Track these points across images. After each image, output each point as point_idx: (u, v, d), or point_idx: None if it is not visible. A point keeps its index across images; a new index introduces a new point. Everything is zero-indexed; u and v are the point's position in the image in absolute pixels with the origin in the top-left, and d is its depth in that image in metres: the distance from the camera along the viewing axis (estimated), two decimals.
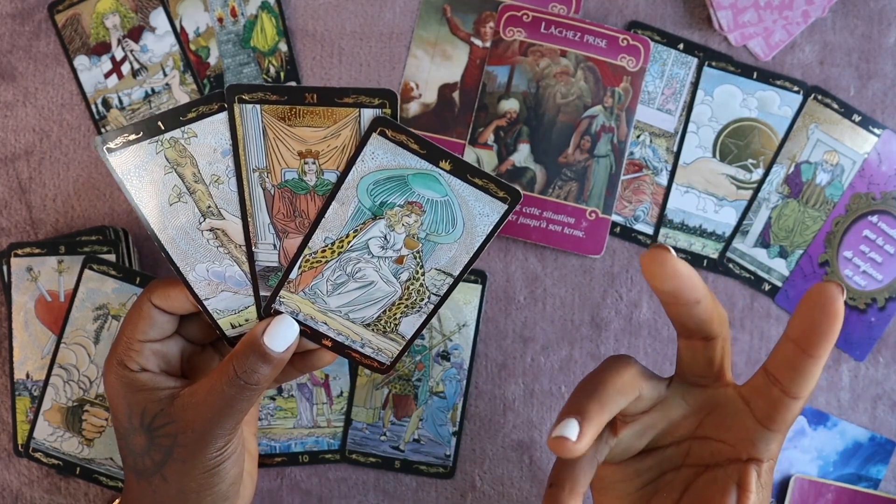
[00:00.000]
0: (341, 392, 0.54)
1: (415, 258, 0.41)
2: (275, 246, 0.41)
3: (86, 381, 0.51)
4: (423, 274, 0.41)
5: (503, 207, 0.40)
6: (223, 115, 0.39)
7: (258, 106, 0.38)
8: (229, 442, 0.41)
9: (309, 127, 0.39)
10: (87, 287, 0.50)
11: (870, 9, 0.55)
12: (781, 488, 0.54)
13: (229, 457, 0.41)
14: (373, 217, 0.40)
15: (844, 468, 0.55)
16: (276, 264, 0.41)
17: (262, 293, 0.41)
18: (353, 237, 0.40)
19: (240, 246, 0.41)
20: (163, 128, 0.39)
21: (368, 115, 0.39)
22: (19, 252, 0.52)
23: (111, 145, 0.39)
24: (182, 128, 0.39)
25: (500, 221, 0.40)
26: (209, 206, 0.40)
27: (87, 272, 0.50)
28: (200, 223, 0.40)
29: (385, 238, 0.40)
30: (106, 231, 0.52)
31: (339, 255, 0.41)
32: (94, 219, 0.54)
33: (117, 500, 0.45)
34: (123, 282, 0.50)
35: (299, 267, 0.41)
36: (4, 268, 0.52)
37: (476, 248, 0.40)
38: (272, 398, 0.54)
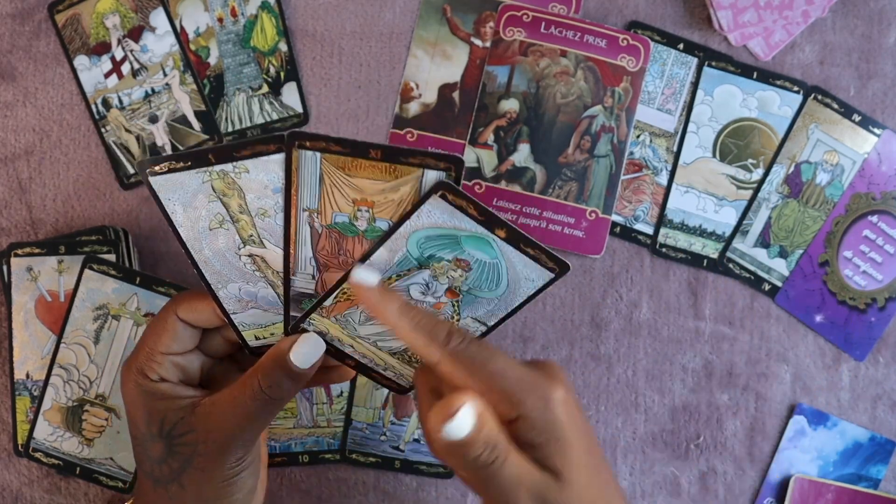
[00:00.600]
0: (341, 392, 0.54)
1: (453, 306, 0.40)
2: (314, 276, 0.40)
3: (86, 381, 0.51)
4: (458, 320, 0.41)
5: (549, 276, 0.39)
6: (278, 157, 0.37)
7: (318, 154, 0.37)
8: (248, 452, 0.41)
9: (368, 179, 0.38)
10: (87, 287, 0.50)
11: (870, 9, 0.55)
12: (781, 488, 0.54)
13: (247, 467, 0.41)
14: (418, 266, 0.39)
15: (844, 468, 0.55)
16: (311, 292, 0.40)
17: (292, 313, 0.41)
18: (396, 280, 0.40)
19: (277, 272, 0.40)
20: (213, 161, 0.38)
21: (432, 175, 0.37)
22: (19, 252, 0.52)
23: (155, 169, 0.38)
24: (234, 163, 0.38)
25: (544, 287, 0.39)
26: (251, 235, 0.39)
27: (87, 272, 0.50)
28: (240, 249, 0.40)
29: (427, 285, 0.40)
30: (106, 231, 0.52)
31: None
32: (94, 219, 0.54)
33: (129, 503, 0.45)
34: (123, 282, 0.50)
35: (335, 297, 0.40)
36: (4, 268, 0.52)
37: (515, 306, 0.40)
38: None
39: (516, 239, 0.38)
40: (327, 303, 0.40)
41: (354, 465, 0.54)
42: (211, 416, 0.40)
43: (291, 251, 0.39)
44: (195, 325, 0.42)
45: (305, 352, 0.40)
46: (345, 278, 0.40)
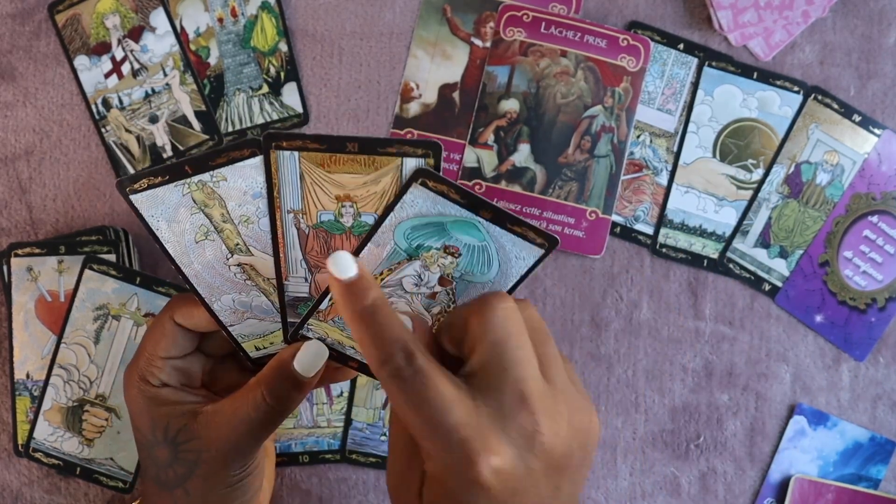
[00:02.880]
0: (341, 392, 0.54)
1: (448, 294, 0.40)
2: (306, 279, 0.40)
3: (86, 381, 0.51)
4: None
5: (539, 252, 0.39)
6: (255, 161, 0.38)
7: (296, 153, 0.37)
8: (252, 458, 0.41)
9: (348, 174, 0.38)
10: (87, 287, 0.50)
11: (870, 9, 0.55)
12: (781, 488, 0.54)
13: (251, 472, 0.41)
14: (408, 258, 0.39)
15: (844, 468, 0.55)
16: (306, 295, 0.40)
17: (290, 320, 0.41)
18: (388, 275, 0.40)
19: (268, 279, 0.40)
20: (190, 172, 0.38)
21: (411, 163, 0.37)
22: (19, 252, 0.52)
23: (135, 187, 0.38)
24: (211, 171, 0.38)
25: (535, 264, 0.39)
26: (237, 244, 0.39)
27: (87, 272, 0.50)
28: (228, 259, 0.39)
29: (419, 276, 0.40)
30: (106, 231, 0.52)
31: None
32: (94, 219, 0.54)
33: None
34: (123, 282, 0.50)
35: (330, 299, 0.40)
36: (4, 268, 0.52)
37: (509, 288, 0.40)
38: None
39: (502, 219, 0.38)
40: (322, 306, 0.40)
41: (354, 465, 0.54)
42: (213, 424, 0.39)
43: (281, 255, 0.39)
44: (193, 329, 0.41)
45: (309, 359, 0.40)
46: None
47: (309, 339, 0.41)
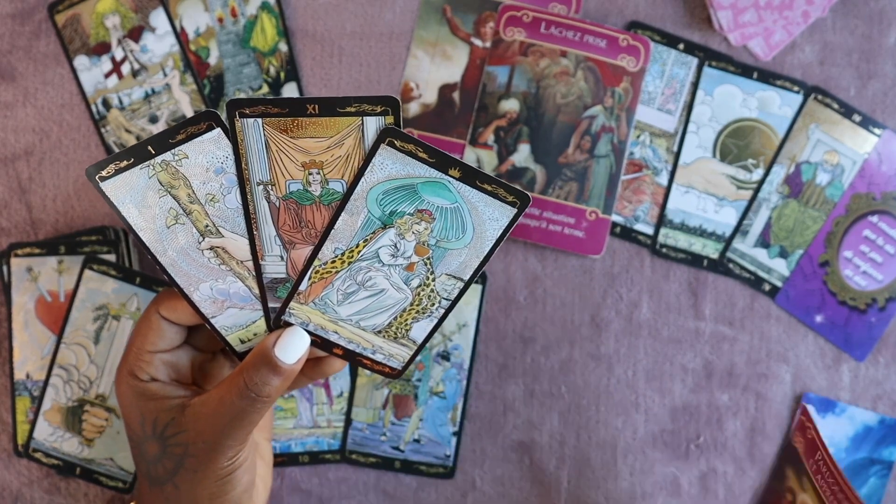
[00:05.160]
0: (341, 392, 0.54)
1: (425, 264, 0.40)
2: (282, 257, 0.40)
3: (86, 381, 0.51)
4: (433, 280, 0.41)
5: (512, 211, 0.39)
6: (212, 134, 0.38)
7: (259, 119, 0.38)
8: (240, 451, 0.41)
9: (312, 138, 0.38)
10: (87, 287, 0.50)
11: (870, 9, 0.55)
12: None
13: (240, 466, 0.41)
14: (382, 226, 0.40)
15: (857, 453, 0.55)
16: (283, 275, 0.40)
17: (270, 305, 0.41)
18: (364, 247, 0.40)
19: (241, 262, 0.40)
20: (153, 152, 0.38)
21: (371, 122, 0.38)
22: (19, 252, 0.52)
23: (103, 173, 0.38)
24: (172, 150, 0.38)
25: (509, 225, 0.40)
26: (207, 226, 0.39)
27: (87, 272, 0.50)
28: (200, 243, 0.40)
29: (395, 246, 0.40)
30: (106, 231, 0.52)
31: (349, 265, 0.40)
32: (94, 219, 0.54)
33: None
34: (123, 282, 0.50)
35: (309, 278, 0.40)
36: (4, 268, 0.52)
37: (486, 253, 0.40)
38: None
39: (472, 176, 0.39)
40: (302, 287, 0.40)
41: (354, 466, 0.54)
42: (200, 416, 0.40)
43: (255, 232, 0.40)
44: (178, 322, 0.42)
45: (290, 346, 0.40)
46: (314, 256, 0.40)
47: (292, 325, 0.41)
